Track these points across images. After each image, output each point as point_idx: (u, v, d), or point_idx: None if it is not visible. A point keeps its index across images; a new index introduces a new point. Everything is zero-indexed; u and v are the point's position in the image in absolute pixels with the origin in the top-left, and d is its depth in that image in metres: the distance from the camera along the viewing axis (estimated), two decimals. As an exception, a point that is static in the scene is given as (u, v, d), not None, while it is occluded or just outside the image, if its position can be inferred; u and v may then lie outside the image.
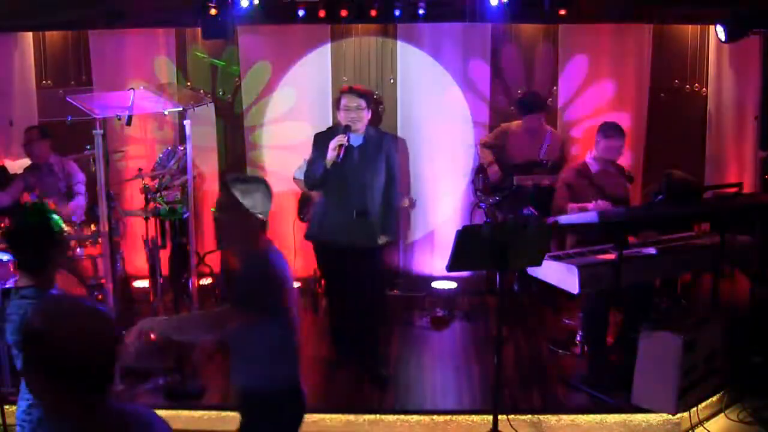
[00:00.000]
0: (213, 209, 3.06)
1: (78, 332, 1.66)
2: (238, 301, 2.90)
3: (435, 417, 4.51)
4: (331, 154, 4.67)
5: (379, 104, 6.40)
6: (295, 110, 6.56)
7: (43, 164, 5.83)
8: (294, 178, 6.07)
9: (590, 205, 5.01)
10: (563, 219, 4.81)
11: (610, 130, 5.22)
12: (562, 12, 5.85)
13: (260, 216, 3.00)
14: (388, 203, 4.92)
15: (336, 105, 4.89)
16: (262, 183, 3.10)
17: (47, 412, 1.72)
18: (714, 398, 4.59)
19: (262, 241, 3.01)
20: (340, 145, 4.64)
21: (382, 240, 4.96)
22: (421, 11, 5.95)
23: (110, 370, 1.72)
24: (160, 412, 4.61)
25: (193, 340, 4.17)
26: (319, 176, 4.79)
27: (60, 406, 1.69)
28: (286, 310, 2.97)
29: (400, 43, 6.50)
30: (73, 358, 1.65)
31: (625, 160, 6.07)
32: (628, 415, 4.45)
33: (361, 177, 4.79)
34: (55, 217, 2.91)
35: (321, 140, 4.87)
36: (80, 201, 5.82)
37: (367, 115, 4.80)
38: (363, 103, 4.75)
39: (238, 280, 3.03)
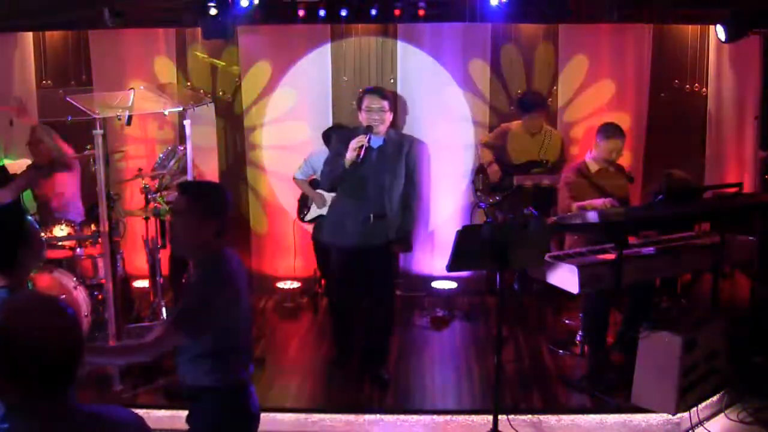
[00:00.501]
0: (168, 213, 3.01)
1: (35, 328, 1.65)
2: (179, 320, 2.82)
3: (435, 417, 4.51)
4: (351, 154, 4.54)
5: (398, 106, 6.36)
6: (295, 110, 6.56)
7: (45, 164, 5.82)
8: (294, 179, 6.07)
9: (598, 202, 4.99)
10: (563, 219, 4.82)
11: (610, 130, 5.22)
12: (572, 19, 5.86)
13: (215, 222, 2.90)
14: (407, 210, 4.83)
15: (358, 105, 4.76)
16: (217, 188, 3.05)
17: (9, 412, 1.70)
18: (714, 398, 4.59)
19: (214, 248, 2.92)
20: (361, 146, 4.51)
21: (395, 248, 4.92)
22: (421, 11, 5.94)
23: (72, 369, 1.70)
24: (160, 412, 4.64)
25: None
26: (338, 176, 4.68)
27: (22, 406, 1.67)
28: (232, 322, 2.92)
29: (400, 43, 6.50)
30: (30, 355, 1.63)
31: (625, 160, 6.07)
32: (628, 415, 4.45)
33: (379, 179, 4.68)
34: (30, 218, 2.89)
35: (339, 140, 4.77)
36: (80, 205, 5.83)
37: (389, 117, 4.69)
38: (386, 104, 4.64)
39: (187, 292, 2.99)
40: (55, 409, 1.70)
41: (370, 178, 4.67)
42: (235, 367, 2.96)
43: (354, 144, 4.53)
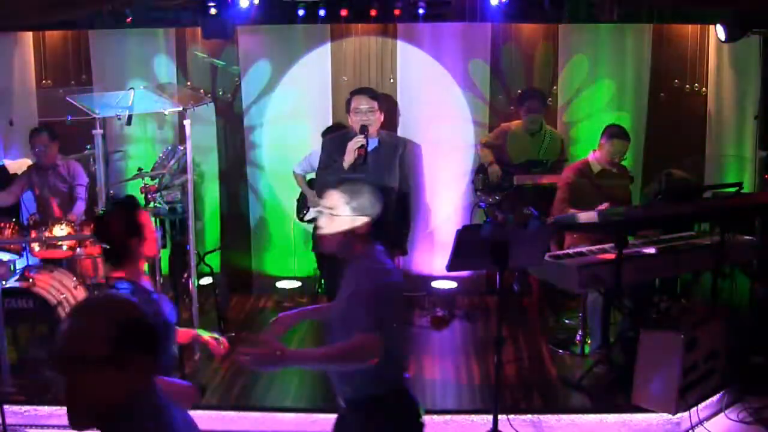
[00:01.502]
0: (316, 210, 2.95)
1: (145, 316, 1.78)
2: (369, 327, 2.70)
3: (435, 417, 4.50)
4: (350, 156, 4.45)
5: (390, 107, 6.36)
6: (295, 110, 6.56)
7: (48, 165, 5.83)
8: (294, 173, 6.07)
9: (591, 213, 4.98)
10: (563, 219, 4.82)
11: (616, 132, 5.21)
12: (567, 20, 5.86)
13: (367, 219, 2.86)
14: (402, 215, 4.81)
15: (347, 107, 4.69)
16: (367, 185, 2.97)
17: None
18: (714, 398, 4.59)
19: (365, 250, 2.89)
20: (361, 146, 4.42)
21: (391, 252, 4.90)
22: (421, 11, 5.94)
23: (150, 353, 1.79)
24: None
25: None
26: (335, 180, 4.45)
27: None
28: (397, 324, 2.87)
29: (400, 43, 6.50)
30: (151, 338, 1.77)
31: (625, 160, 6.07)
32: (628, 415, 4.45)
33: (375, 182, 4.59)
34: (144, 210, 2.95)
35: (331, 144, 4.69)
36: (80, 207, 5.81)
37: (379, 118, 4.60)
38: (375, 105, 4.56)
39: (358, 299, 2.80)
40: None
41: (366, 180, 4.61)
42: (398, 372, 2.92)
43: (352, 145, 4.45)
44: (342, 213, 2.85)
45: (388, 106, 6.51)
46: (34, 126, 6.23)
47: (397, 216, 4.77)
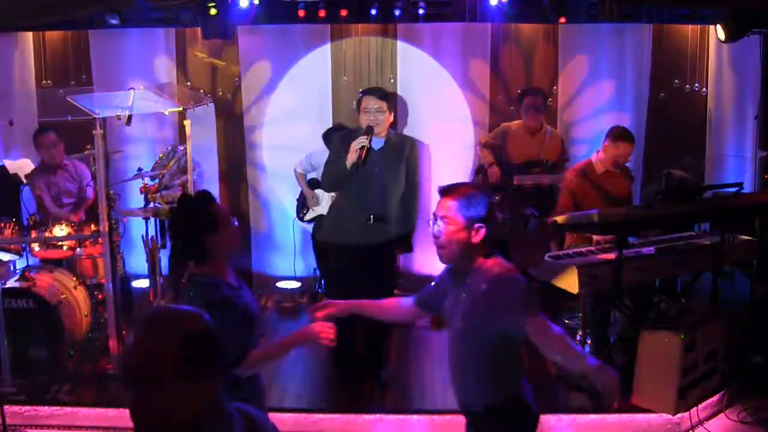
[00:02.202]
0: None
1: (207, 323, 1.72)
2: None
3: (435, 417, 4.51)
4: (352, 156, 4.48)
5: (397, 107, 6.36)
6: (295, 110, 6.56)
7: (55, 165, 5.83)
8: (295, 172, 6.07)
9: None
10: (563, 219, 4.81)
11: (620, 134, 5.18)
12: (562, 20, 5.86)
13: (486, 230, 2.76)
14: (407, 212, 4.82)
15: (357, 106, 4.73)
16: (489, 193, 2.92)
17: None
18: (714, 398, 4.59)
19: (484, 260, 2.81)
20: (362, 147, 4.46)
21: (395, 250, 4.92)
22: (421, 11, 5.94)
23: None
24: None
25: None
26: (339, 178, 4.64)
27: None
28: None
29: (400, 43, 6.50)
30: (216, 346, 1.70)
31: (625, 160, 6.08)
32: (628, 415, 4.45)
33: (380, 181, 4.64)
34: (219, 204, 2.91)
35: (339, 141, 4.72)
36: (88, 202, 5.85)
37: (388, 118, 4.63)
38: (385, 105, 4.58)
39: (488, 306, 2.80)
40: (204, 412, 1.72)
41: (372, 180, 4.63)
42: (516, 377, 2.98)
43: (355, 145, 4.47)
44: (457, 222, 2.74)
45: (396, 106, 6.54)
46: (34, 126, 6.24)
47: (402, 215, 4.79)
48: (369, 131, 4.52)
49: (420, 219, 5.93)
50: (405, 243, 4.96)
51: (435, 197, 6.73)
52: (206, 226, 2.80)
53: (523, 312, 2.77)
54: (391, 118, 4.70)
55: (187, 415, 1.66)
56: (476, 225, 2.72)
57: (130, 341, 1.68)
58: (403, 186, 4.75)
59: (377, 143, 4.63)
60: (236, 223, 3.06)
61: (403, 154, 4.72)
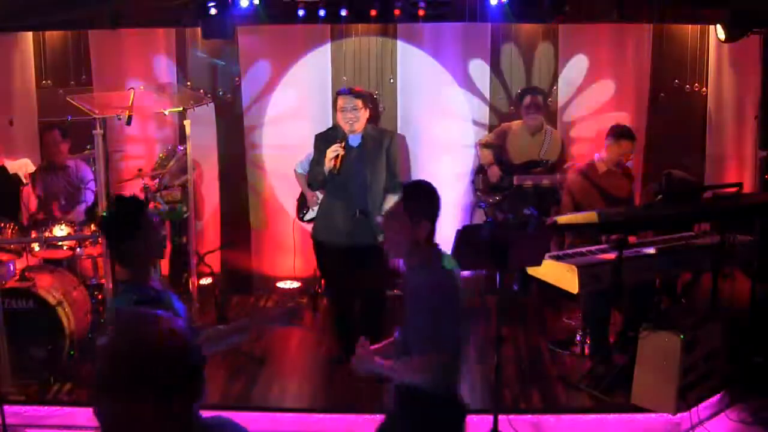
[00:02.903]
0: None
1: (163, 340, 1.64)
2: (422, 349, 2.80)
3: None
4: (328, 165, 4.74)
5: (377, 104, 6.39)
6: (295, 110, 6.56)
7: (59, 165, 5.83)
8: (295, 172, 6.07)
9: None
10: (563, 219, 4.81)
11: (620, 133, 5.20)
12: (560, 17, 5.86)
13: (426, 222, 2.88)
14: (391, 202, 4.90)
15: (333, 107, 4.99)
16: (432, 189, 2.98)
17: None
18: (714, 398, 4.59)
19: (426, 254, 2.91)
20: (337, 156, 4.70)
21: (382, 237, 4.96)
22: (421, 11, 5.94)
23: (189, 381, 1.68)
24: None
25: None
26: (319, 181, 4.90)
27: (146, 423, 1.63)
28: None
29: (400, 43, 6.49)
30: (165, 365, 1.61)
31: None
32: (628, 415, 4.45)
33: (361, 176, 4.83)
34: (150, 212, 2.91)
35: (321, 142, 4.93)
36: (82, 208, 5.82)
37: (364, 115, 4.87)
38: (359, 103, 4.83)
39: (414, 313, 2.90)
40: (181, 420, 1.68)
41: (352, 176, 4.83)
42: (450, 377, 2.96)
43: (330, 154, 4.72)
44: (399, 218, 2.87)
45: (385, 104, 6.54)
46: (34, 126, 6.24)
47: (383, 207, 4.91)
48: (343, 138, 4.78)
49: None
50: None
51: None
52: (129, 232, 2.84)
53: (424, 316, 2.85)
54: (368, 115, 4.93)
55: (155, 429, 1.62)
56: (417, 219, 2.85)
57: (103, 346, 1.64)
58: (385, 178, 4.93)
59: (355, 140, 4.87)
60: (163, 233, 3.09)
61: (382, 147, 4.92)
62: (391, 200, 4.95)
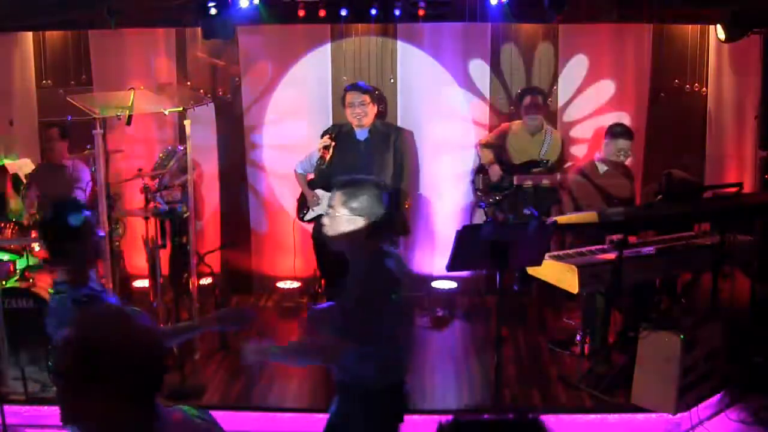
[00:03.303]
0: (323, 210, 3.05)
1: (122, 336, 1.65)
2: (347, 333, 2.83)
3: (435, 417, 4.50)
4: (316, 156, 4.83)
5: (385, 100, 6.39)
6: (295, 110, 6.56)
7: (57, 164, 5.83)
8: (295, 173, 6.07)
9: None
10: (563, 219, 4.82)
11: (618, 131, 5.21)
12: (560, 17, 5.87)
13: (368, 220, 2.89)
14: (397, 200, 5.07)
15: (342, 102, 5.04)
16: (374, 187, 2.97)
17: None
18: (714, 398, 4.59)
19: (369, 249, 2.93)
20: (325, 147, 4.76)
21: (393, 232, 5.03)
22: (421, 11, 5.94)
23: (158, 378, 1.70)
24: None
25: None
26: (319, 174, 4.98)
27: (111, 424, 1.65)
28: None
29: (400, 43, 6.49)
30: (122, 364, 1.62)
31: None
32: (628, 415, 4.45)
33: (368, 170, 4.85)
34: (88, 213, 2.91)
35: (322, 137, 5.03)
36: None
37: (372, 110, 4.94)
38: (367, 98, 4.91)
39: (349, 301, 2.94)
40: (141, 419, 1.69)
41: (360, 170, 4.79)
42: (391, 377, 2.99)
43: (319, 145, 4.81)
44: (341, 213, 2.88)
45: (388, 103, 6.54)
46: (35, 126, 6.24)
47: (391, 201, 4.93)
48: (333, 129, 4.87)
49: (419, 205, 5.99)
50: (401, 225, 5.06)
51: (436, 196, 6.77)
52: (68, 234, 2.83)
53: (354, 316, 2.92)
54: (376, 110, 5.02)
55: (111, 420, 1.63)
56: (358, 216, 2.87)
57: (65, 338, 1.64)
58: (392, 171, 5.01)
59: (362, 134, 4.94)
60: (101, 234, 3.09)
61: (389, 141, 5.01)
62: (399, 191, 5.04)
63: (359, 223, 2.89)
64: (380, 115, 5.30)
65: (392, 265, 2.92)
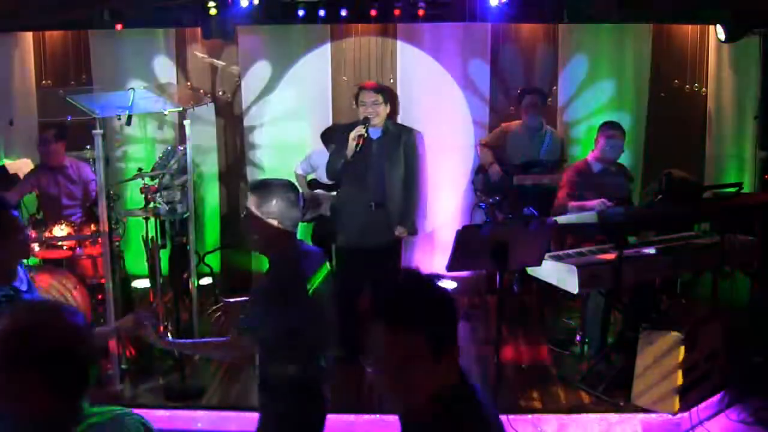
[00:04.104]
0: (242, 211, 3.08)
1: (55, 329, 1.67)
2: (245, 327, 2.92)
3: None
4: (350, 144, 4.80)
5: (397, 101, 6.39)
6: (295, 110, 6.56)
7: (56, 166, 5.82)
8: (295, 174, 6.07)
9: (591, 203, 5.01)
10: (563, 219, 4.82)
11: (610, 128, 5.23)
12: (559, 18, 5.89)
13: (278, 224, 2.93)
14: (408, 194, 5.06)
15: (355, 101, 5.08)
16: (285, 190, 2.99)
17: (18, 422, 1.69)
18: (714, 398, 4.59)
19: (282, 251, 2.97)
20: (360, 135, 4.78)
21: (399, 231, 5.06)
22: (420, 11, 5.94)
23: (88, 372, 1.71)
24: (160, 412, 4.64)
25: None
26: (339, 169, 4.95)
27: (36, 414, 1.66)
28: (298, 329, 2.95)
29: (400, 43, 6.49)
30: (55, 358, 1.64)
31: (625, 160, 6.07)
32: (628, 415, 4.45)
33: (379, 169, 4.93)
34: (15, 212, 2.84)
35: (340, 134, 5.03)
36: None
37: (384, 110, 4.96)
38: (380, 98, 4.92)
39: (255, 295, 3.05)
40: (74, 414, 1.69)
41: (371, 168, 4.92)
42: (306, 364, 3.02)
43: (353, 134, 4.80)
44: (257, 213, 2.94)
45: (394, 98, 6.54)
46: (35, 126, 6.24)
47: (403, 198, 5.04)
48: (365, 121, 4.86)
49: (421, 201, 5.98)
50: (409, 224, 5.14)
51: (436, 196, 6.76)
52: None
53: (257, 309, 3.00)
54: (388, 110, 5.01)
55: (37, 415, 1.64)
56: (269, 219, 2.92)
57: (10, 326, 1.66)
58: (403, 172, 5.04)
59: (375, 133, 4.95)
60: (27, 233, 3.04)
61: (400, 142, 5.03)
62: (409, 191, 5.08)
63: (273, 225, 2.93)
64: (392, 115, 5.34)
65: (305, 264, 2.99)
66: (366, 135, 4.81)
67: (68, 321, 1.70)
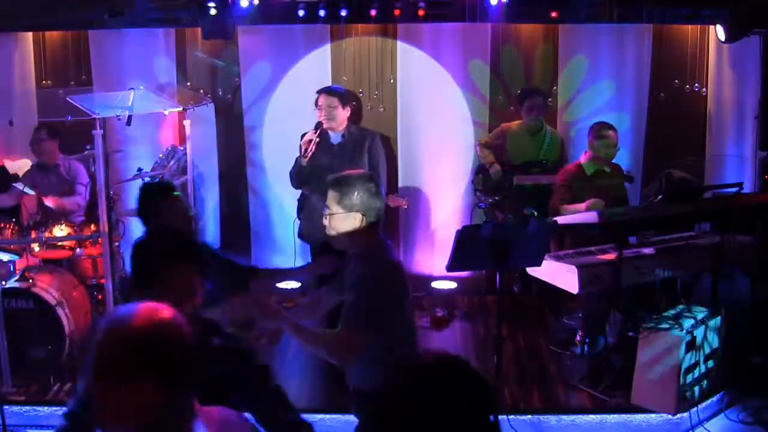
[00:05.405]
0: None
1: (171, 328, 1.66)
2: (352, 324, 2.85)
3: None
4: (303, 149, 4.86)
5: (360, 103, 6.38)
6: (295, 110, 6.54)
7: (50, 164, 5.82)
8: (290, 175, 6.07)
9: (584, 204, 5.02)
10: (563, 219, 4.82)
11: (601, 128, 5.23)
12: (554, 14, 5.88)
13: (362, 217, 2.92)
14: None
15: (315, 105, 5.14)
16: (365, 180, 2.99)
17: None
18: (714, 398, 4.59)
19: (368, 244, 2.95)
20: (309, 141, 4.81)
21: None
22: (421, 11, 5.94)
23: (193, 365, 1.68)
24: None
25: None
26: (297, 174, 5.00)
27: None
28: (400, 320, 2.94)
29: (400, 43, 6.49)
30: (178, 355, 1.63)
31: (625, 160, 6.08)
32: (628, 415, 4.45)
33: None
34: None
35: (301, 140, 5.08)
36: (77, 199, 5.83)
37: (341, 113, 4.97)
38: (335, 101, 4.95)
39: (355, 288, 2.95)
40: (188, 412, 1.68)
41: (332, 173, 4.81)
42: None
43: (302, 141, 4.87)
44: (336, 212, 2.93)
45: (385, 104, 6.53)
46: (35, 126, 6.23)
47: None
48: (317, 126, 4.92)
49: (415, 217, 5.95)
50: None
51: (436, 196, 6.76)
52: None
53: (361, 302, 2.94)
54: (347, 113, 5.05)
55: (143, 417, 1.60)
56: (353, 213, 2.91)
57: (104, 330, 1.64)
58: None
59: (335, 138, 4.99)
60: None
61: (363, 147, 5.02)
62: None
63: (357, 219, 2.90)
64: (355, 118, 5.33)
65: (393, 253, 2.99)
66: (318, 140, 4.80)
67: (168, 318, 1.66)
